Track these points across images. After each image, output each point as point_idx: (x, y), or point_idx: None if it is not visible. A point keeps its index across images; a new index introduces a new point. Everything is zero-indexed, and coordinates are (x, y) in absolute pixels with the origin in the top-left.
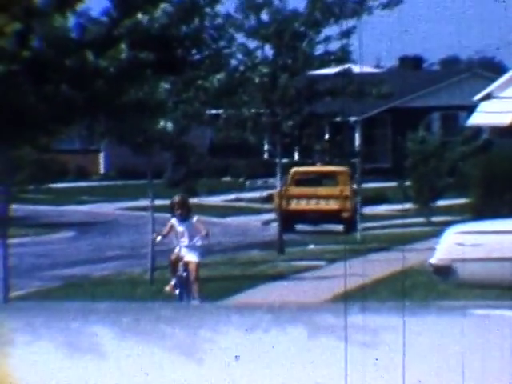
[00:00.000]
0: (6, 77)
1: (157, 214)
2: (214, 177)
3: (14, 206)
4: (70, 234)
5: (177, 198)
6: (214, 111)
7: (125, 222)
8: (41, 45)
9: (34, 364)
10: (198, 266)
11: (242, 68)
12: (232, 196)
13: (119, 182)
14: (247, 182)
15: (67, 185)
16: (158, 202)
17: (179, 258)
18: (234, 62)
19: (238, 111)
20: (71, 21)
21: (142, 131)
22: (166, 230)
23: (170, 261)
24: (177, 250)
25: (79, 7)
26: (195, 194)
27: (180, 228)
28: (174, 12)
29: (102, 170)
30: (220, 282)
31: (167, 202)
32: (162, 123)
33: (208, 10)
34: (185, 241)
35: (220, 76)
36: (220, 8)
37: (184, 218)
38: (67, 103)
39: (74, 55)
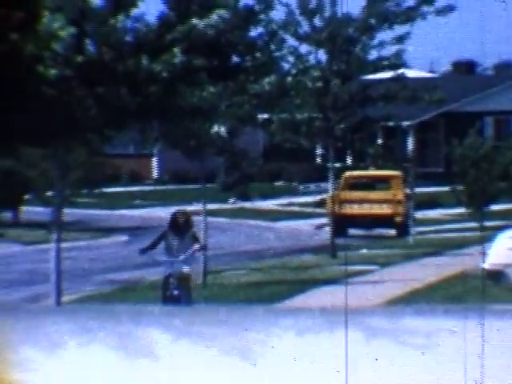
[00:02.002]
0: (60, 81)
1: (210, 218)
2: (267, 181)
3: (66, 210)
4: (123, 238)
5: (180, 216)
6: (266, 115)
7: None
8: (95, 49)
9: (87, 366)
10: (191, 278)
11: (293, 71)
12: (285, 200)
13: (172, 187)
14: (300, 187)
15: (120, 189)
16: (211, 207)
17: (170, 275)
18: (285, 65)
19: (290, 115)
20: (126, 25)
21: (195, 136)
22: (154, 242)
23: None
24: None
25: (134, 12)
26: (248, 199)
27: (175, 242)
28: (230, 19)
29: (155, 174)
30: (272, 287)
31: (220, 206)
32: (216, 127)
33: (262, 16)
34: (179, 255)
35: (270, 79)
36: (274, 14)
37: (182, 233)
38: (120, 107)
39: (128, 59)
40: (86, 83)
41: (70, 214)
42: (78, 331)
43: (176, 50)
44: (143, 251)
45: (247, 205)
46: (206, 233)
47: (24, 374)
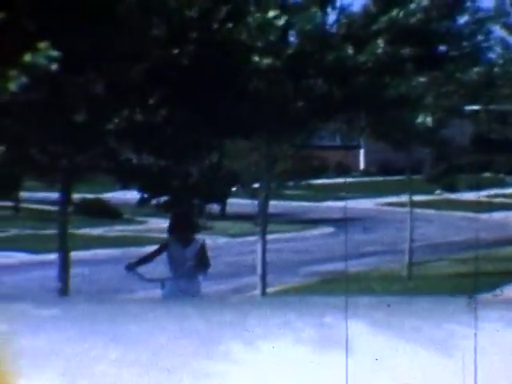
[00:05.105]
0: (270, 71)
1: (416, 210)
2: (475, 172)
3: (272, 202)
4: (328, 229)
5: (175, 214)
6: (474, 106)
7: (384, 217)
8: (300, 40)
9: (284, 357)
10: None
11: (500, 61)
12: (491, 192)
13: (379, 178)
14: (506, 178)
15: (327, 181)
16: (417, 198)
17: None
18: (492, 56)
19: (498, 106)
20: (331, 16)
21: (402, 126)
22: (151, 253)
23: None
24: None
25: (339, 2)
26: (454, 190)
27: (177, 254)
28: (435, 7)
29: (362, 165)
30: (478, 278)
31: (426, 197)
32: (420, 118)
33: (469, 4)
34: (181, 273)
35: (478, 69)
36: (481, 2)
37: (185, 242)
38: (327, 99)
39: (333, 50)
40: (293, 75)
41: (274, 206)
42: (279, 323)
43: (380, 40)
44: (130, 267)
45: (451, 196)
46: (412, 224)
47: (225, 365)
